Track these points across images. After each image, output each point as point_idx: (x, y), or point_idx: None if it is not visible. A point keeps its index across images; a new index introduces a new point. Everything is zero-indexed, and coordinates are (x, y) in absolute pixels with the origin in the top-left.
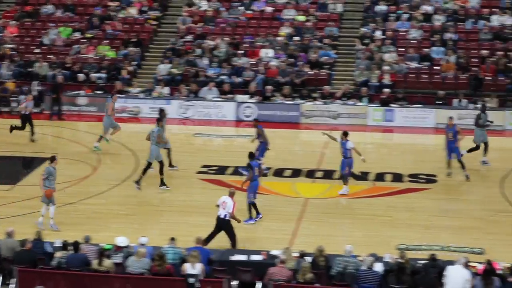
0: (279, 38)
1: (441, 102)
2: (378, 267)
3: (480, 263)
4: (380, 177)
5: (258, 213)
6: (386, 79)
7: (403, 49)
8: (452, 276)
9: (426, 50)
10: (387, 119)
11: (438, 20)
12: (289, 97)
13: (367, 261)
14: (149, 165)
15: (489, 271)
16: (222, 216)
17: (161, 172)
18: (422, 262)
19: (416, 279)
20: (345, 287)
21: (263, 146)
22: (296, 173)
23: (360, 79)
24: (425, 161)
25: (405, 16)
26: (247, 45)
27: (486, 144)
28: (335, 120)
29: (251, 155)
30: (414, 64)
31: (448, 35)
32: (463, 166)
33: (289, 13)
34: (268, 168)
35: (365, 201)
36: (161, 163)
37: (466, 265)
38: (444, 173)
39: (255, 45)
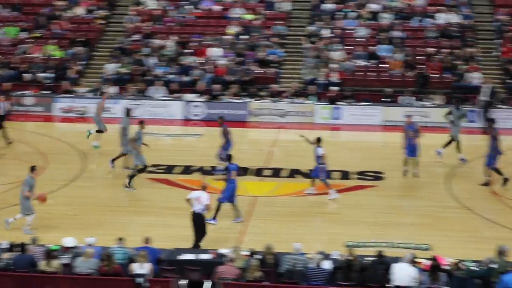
0: (227, 37)
1: (388, 99)
2: (327, 265)
3: (426, 259)
4: (328, 174)
5: (238, 216)
6: (334, 77)
7: (351, 47)
8: (399, 273)
9: (373, 48)
10: (335, 117)
11: (385, 18)
12: (237, 96)
13: (315, 259)
14: (145, 167)
15: (435, 267)
16: (198, 211)
17: (140, 171)
18: (370, 258)
19: (364, 275)
20: (293, 284)
21: (228, 145)
22: (244, 171)
23: (308, 77)
24: (372, 159)
25: (352, 14)
26: (195, 44)
27: (453, 138)
28: (283, 118)
29: (229, 157)
30: (361, 62)
31: (395, 33)
32: (416, 164)
33: (236, 12)
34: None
35: (313, 198)
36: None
37: (413, 262)
38: (392, 171)
39: (203, 44)
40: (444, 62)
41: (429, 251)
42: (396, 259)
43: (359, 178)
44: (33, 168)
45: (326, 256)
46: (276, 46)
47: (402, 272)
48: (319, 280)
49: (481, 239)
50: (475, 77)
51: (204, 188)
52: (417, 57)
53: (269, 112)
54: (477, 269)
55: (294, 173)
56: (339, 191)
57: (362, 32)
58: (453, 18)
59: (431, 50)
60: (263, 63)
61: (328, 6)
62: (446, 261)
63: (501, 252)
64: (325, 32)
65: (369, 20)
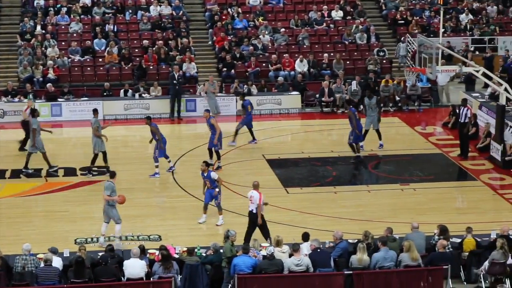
0: None
1: (107, 93)
2: (57, 263)
3: (157, 249)
4: (51, 172)
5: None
6: (51, 74)
7: (65, 43)
8: (130, 266)
9: (88, 43)
10: (54, 114)
11: (97, 12)
12: None
13: (45, 258)
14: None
15: (166, 256)
16: (255, 211)
17: (105, 160)
18: (101, 253)
19: (97, 271)
20: (25, 286)
21: (164, 141)
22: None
23: (24, 75)
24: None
25: (64, 9)
26: None
27: (377, 130)
28: (1, 118)
29: (207, 164)
30: (77, 57)
31: (108, 27)
32: (213, 156)
33: None
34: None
35: (40, 198)
36: (104, 153)
37: (143, 254)
38: (117, 164)
39: None
40: (159, 53)
41: (159, 241)
42: (127, 252)
43: (83, 174)
44: (113, 174)
45: (57, 255)
46: None
47: (133, 265)
48: (50, 280)
49: (211, 226)
50: (191, 67)
51: (255, 187)
52: (133, 50)
53: None
54: (206, 254)
55: (18, 173)
56: (65, 188)
57: (76, 27)
58: (165, 10)
59: (146, 42)
60: None
61: (39, 2)
62: (177, 249)
63: (228, 237)
64: (38, 29)
65: (82, 15)
